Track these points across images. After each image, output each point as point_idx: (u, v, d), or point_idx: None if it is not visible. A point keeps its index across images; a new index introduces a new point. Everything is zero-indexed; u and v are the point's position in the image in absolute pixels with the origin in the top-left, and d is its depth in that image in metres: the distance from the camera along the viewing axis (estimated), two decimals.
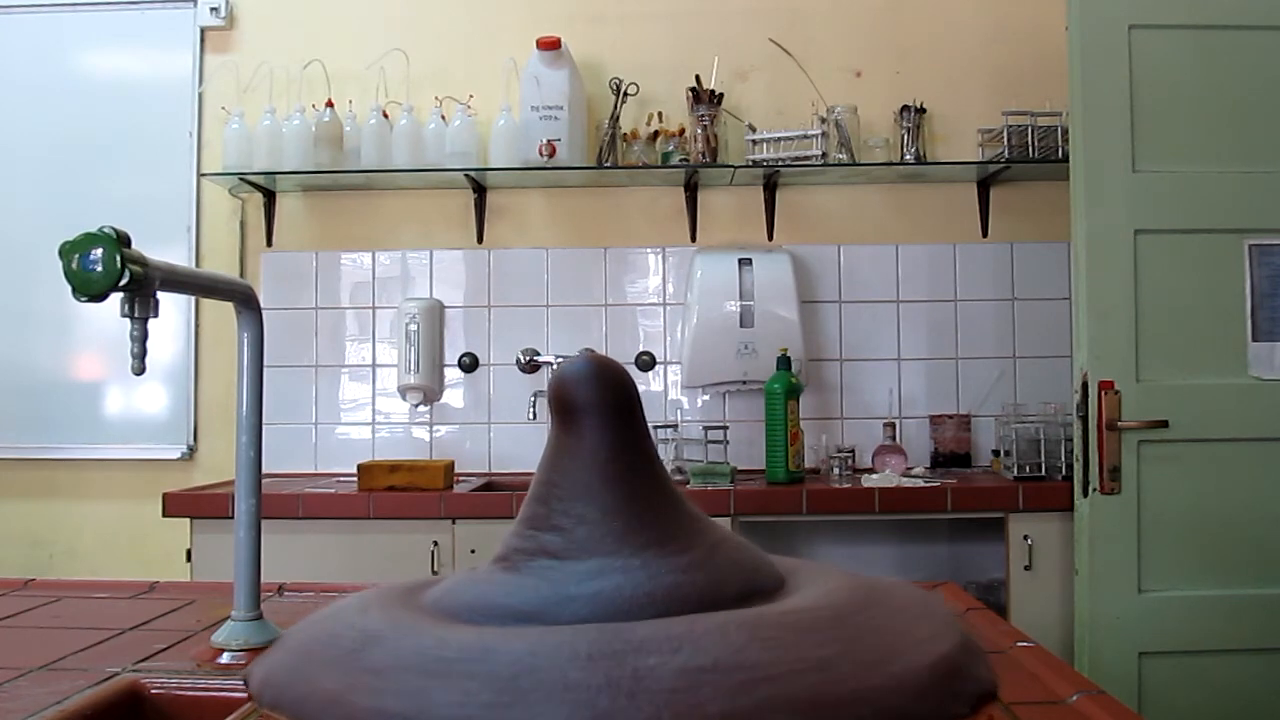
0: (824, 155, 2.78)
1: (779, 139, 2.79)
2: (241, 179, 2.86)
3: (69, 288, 0.78)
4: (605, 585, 0.64)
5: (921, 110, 2.84)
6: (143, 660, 0.89)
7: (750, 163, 2.80)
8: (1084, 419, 2.29)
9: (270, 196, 3.00)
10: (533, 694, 0.55)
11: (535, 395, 2.86)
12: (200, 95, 3.00)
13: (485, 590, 0.69)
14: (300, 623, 0.67)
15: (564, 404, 0.72)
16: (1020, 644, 0.96)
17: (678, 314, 2.94)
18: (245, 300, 1.00)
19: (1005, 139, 2.74)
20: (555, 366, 2.77)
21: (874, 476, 2.55)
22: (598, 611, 0.63)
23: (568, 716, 0.54)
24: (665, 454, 2.63)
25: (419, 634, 0.61)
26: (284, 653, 0.63)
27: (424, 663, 0.58)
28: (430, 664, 0.57)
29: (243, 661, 0.93)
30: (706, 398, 2.94)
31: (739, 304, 2.80)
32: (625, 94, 2.85)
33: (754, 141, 2.80)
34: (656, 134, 2.89)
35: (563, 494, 0.69)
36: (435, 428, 2.97)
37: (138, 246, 0.82)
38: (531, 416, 2.89)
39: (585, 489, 0.68)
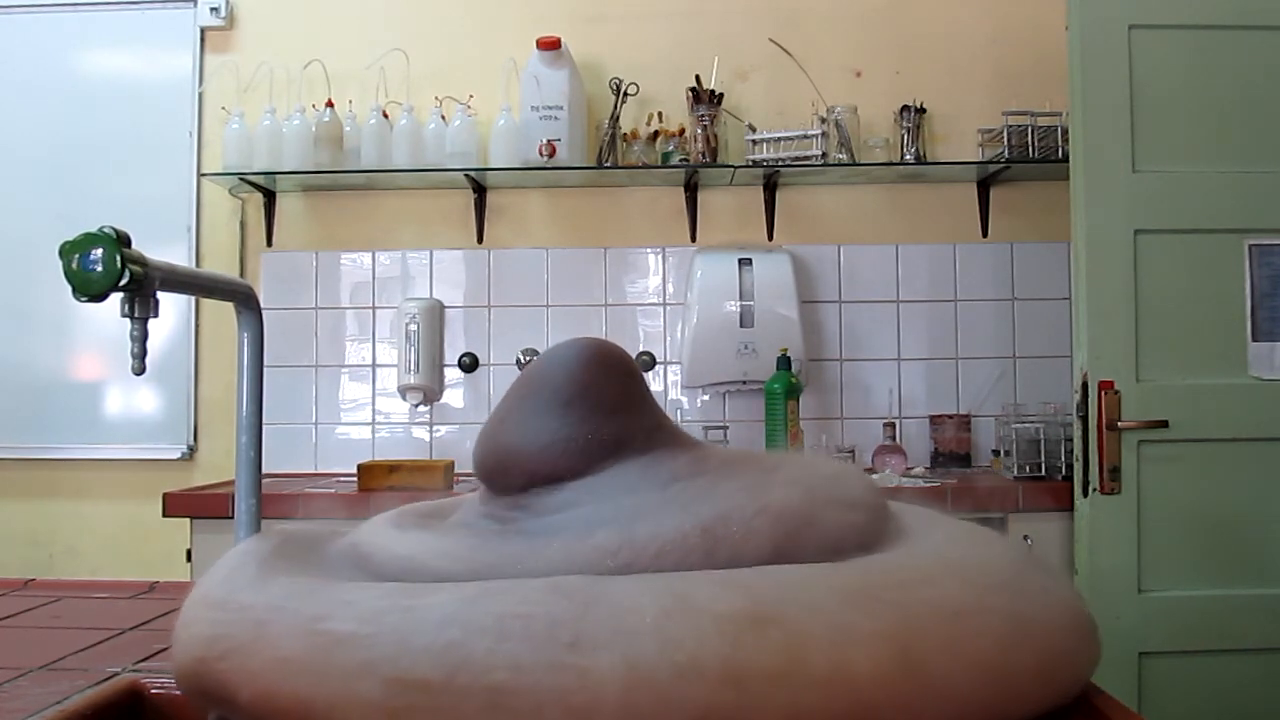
0: (824, 155, 2.78)
1: (779, 139, 2.79)
2: (241, 179, 2.86)
3: (69, 288, 0.78)
4: (605, 541, 0.47)
5: (921, 110, 2.84)
6: (143, 660, 0.89)
7: (750, 163, 2.80)
8: (1084, 419, 2.28)
9: (270, 196, 3.00)
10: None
11: None
12: (200, 95, 3.00)
13: (416, 546, 0.55)
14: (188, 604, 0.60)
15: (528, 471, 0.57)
16: None
17: (678, 314, 2.94)
18: (245, 300, 1.00)
19: (1005, 139, 2.73)
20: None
21: (874, 476, 2.55)
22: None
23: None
24: None
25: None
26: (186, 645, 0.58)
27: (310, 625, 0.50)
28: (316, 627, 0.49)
29: None
30: (706, 398, 2.94)
31: (739, 304, 2.79)
32: (625, 94, 2.85)
33: (754, 141, 2.80)
34: (656, 134, 2.89)
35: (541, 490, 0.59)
36: (435, 428, 2.97)
37: (138, 246, 0.82)
38: None
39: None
